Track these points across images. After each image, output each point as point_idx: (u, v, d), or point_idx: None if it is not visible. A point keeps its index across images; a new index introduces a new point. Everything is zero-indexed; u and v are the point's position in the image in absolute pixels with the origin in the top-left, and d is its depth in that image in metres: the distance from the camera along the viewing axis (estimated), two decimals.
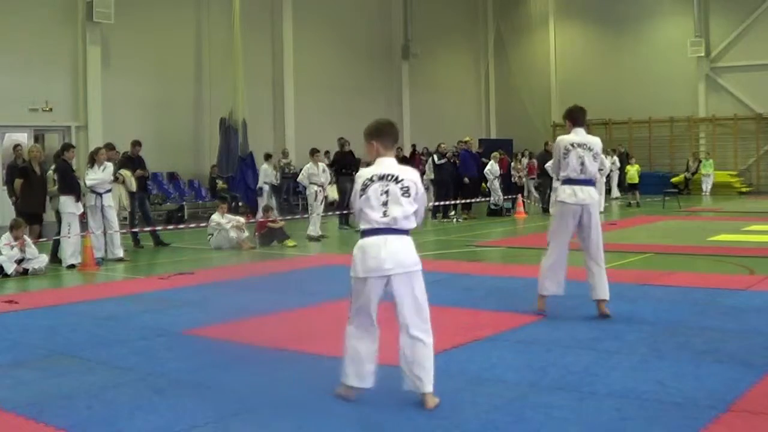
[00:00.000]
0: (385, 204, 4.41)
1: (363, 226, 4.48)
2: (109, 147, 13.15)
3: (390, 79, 28.15)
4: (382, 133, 4.61)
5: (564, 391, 4.69)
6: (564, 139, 7.05)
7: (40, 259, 11.07)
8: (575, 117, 7.12)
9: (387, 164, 4.53)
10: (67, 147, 12.30)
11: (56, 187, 11.89)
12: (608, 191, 22.60)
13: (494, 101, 32.99)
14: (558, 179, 7.22)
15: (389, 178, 4.45)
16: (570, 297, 7.86)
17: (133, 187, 13.55)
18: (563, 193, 6.97)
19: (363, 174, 4.52)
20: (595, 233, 6.89)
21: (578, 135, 7.03)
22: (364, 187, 4.44)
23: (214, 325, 6.93)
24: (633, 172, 23.09)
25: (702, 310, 7.10)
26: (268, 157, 18.40)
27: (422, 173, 21.69)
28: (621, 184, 24.99)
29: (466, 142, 20.14)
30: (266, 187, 17.95)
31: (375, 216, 4.41)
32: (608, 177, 23.17)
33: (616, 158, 24.14)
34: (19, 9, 17.96)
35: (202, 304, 8.15)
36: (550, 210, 19.39)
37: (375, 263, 4.37)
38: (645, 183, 24.87)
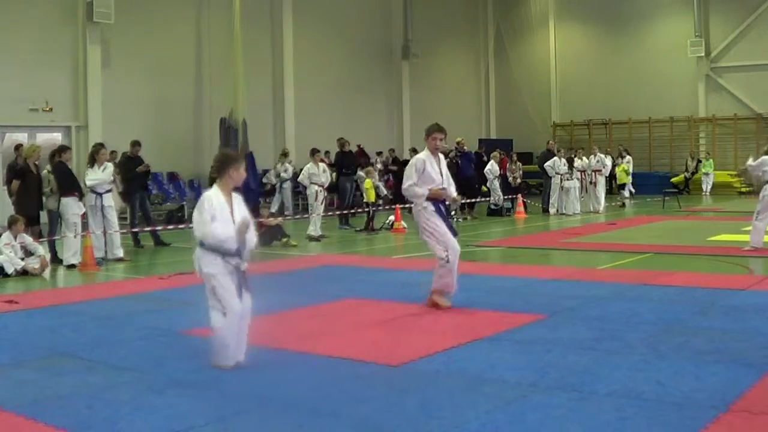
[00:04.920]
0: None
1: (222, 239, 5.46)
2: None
3: (390, 79, 28.13)
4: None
5: (564, 391, 4.69)
6: (429, 160, 7.59)
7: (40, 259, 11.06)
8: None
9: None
10: (63, 149, 12.31)
11: (50, 188, 11.90)
12: (609, 191, 22.58)
13: (494, 101, 32.98)
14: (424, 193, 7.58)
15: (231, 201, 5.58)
16: (570, 297, 7.87)
17: (119, 188, 13.58)
18: (431, 205, 7.55)
19: (219, 196, 5.49)
20: None
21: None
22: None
23: None
24: (620, 171, 23.08)
25: (702, 310, 7.10)
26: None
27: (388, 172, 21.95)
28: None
29: (458, 142, 20.06)
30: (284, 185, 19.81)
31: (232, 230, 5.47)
32: (612, 177, 23.19)
33: (629, 158, 23.94)
34: (19, 9, 17.95)
35: (202, 304, 8.12)
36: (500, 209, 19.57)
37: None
38: (645, 183, 24.83)
